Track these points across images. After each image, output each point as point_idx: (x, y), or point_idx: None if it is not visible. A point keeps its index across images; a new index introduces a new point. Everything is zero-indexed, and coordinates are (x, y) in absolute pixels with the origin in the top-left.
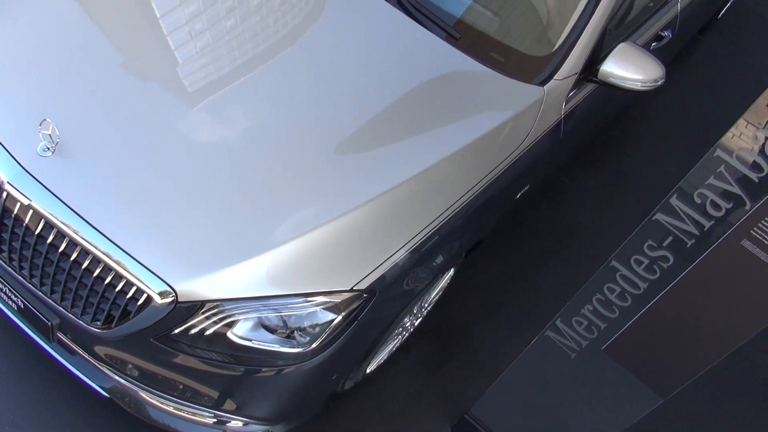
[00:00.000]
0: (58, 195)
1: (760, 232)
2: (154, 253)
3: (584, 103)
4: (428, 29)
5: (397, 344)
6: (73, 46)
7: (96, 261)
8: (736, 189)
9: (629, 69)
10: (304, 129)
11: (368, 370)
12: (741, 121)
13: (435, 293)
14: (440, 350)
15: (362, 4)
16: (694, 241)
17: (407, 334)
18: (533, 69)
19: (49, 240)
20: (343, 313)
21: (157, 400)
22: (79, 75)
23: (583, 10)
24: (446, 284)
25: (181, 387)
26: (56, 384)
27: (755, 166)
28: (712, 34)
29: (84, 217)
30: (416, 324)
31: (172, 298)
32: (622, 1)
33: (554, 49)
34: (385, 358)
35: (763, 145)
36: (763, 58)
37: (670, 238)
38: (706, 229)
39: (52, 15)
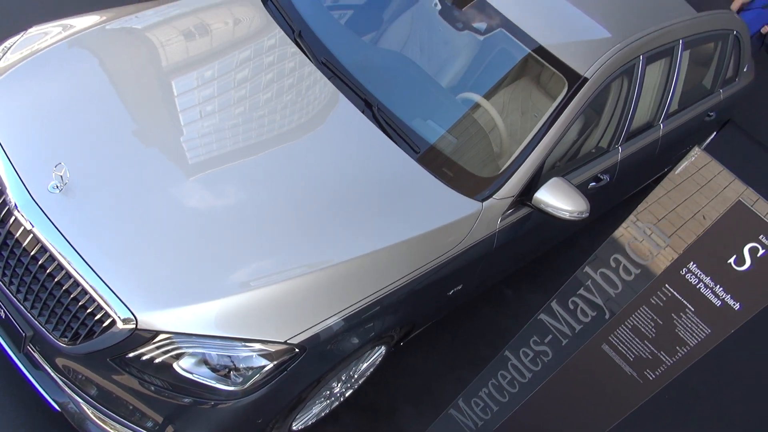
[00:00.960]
0: (56, 225)
1: (615, 339)
2: (125, 284)
3: (519, 223)
4: (395, 143)
5: (327, 410)
6: (97, 108)
7: (75, 284)
8: (599, 301)
9: (558, 199)
10: (276, 207)
11: (295, 427)
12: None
13: (366, 367)
14: (367, 424)
15: (346, 117)
16: (567, 340)
17: (337, 403)
18: (476, 187)
19: (40, 262)
20: (275, 362)
21: (102, 419)
22: (97, 133)
23: (527, 146)
24: (379, 362)
25: (125, 406)
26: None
27: (612, 284)
28: None
29: (74, 246)
30: (347, 395)
31: (133, 325)
32: (569, 142)
33: (498, 173)
34: (314, 421)
35: (619, 266)
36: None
37: (550, 336)
38: (576, 331)
39: (83, 80)
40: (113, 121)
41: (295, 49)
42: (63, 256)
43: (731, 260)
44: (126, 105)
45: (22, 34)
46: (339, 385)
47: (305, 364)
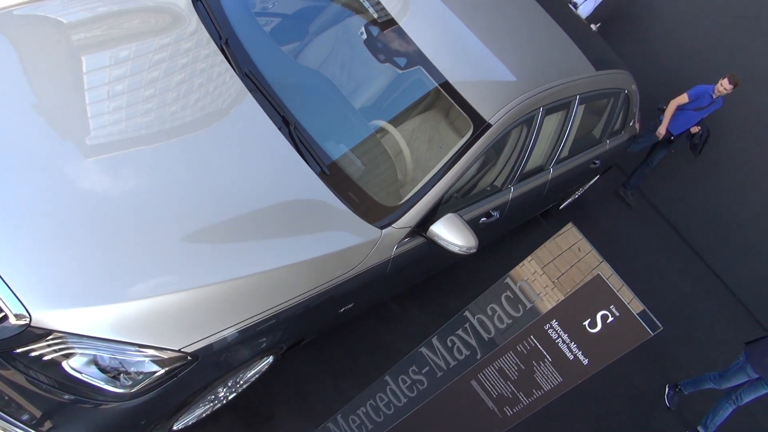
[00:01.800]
0: None
1: (483, 377)
2: (23, 279)
3: (413, 251)
4: (307, 162)
5: (209, 411)
6: (4, 96)
7: None
8: (473, 342)
9: (451, 234)
10: (184, 215)
11: (175, 427)
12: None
13: (252, 374)
14: (245, 426)
15: (262, 132)
16: (442, 373)
17: (219, 405)
18: (378, 214)
19: None
20: (167, 368)
21: None
22: (5, 123)
23: (428, 182)
24: (264, 369)
25: (5, 398)
26: None
27: (487, 329)
28: (552, 220)
29: None
30: (230, 398)
31: (26, 321)
32: (467, 179)
33: (399, 203)
34: (195, 421)
35: (494, 315)
36: None
37: (427, 368)
38: (451, 366)
39: None
40: (21, 111)
41: (220, 56)
42: None
43: (586, 323)
44: (35, 94)
45: None
46: (224, 390)
47: (196, 371)
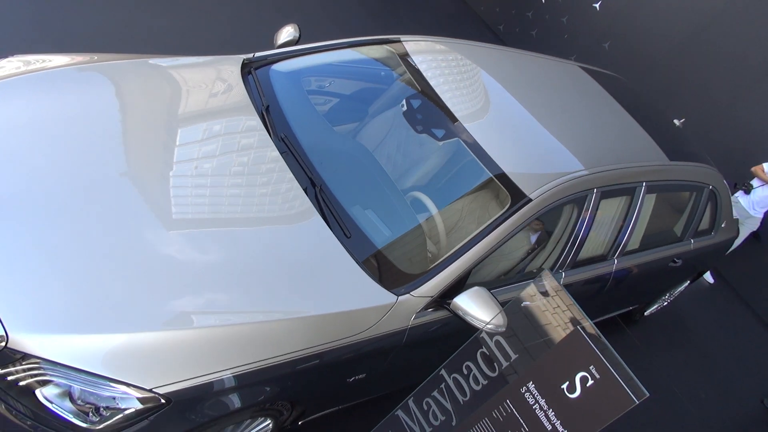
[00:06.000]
0: None
1: None
2: (6, 299)
3: (436, 325)
4: (329, 225)
5: None
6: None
7: None
8: (449, 406)
9: (477, 308)
10: (186, 256)
11: None
12: None
13: None
14: None
15: (288, 193)
16: None
17: None
18: (396, 280)
19: None
20: (137, 408)
21: None
22: (36, 156)
23: (455, 252)
24: None
25: None
26: None
27: (462, 391)
28: (637, 327)
29: None
30: None
31: (3, 343)
32: (510, 258)
33: (421, 272)
34: None
35: (470, 374)
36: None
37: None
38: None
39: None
40: (62, 150)
41: (258, 122)
42: None
43: (564, 386)
44: (90, 143)
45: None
46: None
47: (168, 417)
